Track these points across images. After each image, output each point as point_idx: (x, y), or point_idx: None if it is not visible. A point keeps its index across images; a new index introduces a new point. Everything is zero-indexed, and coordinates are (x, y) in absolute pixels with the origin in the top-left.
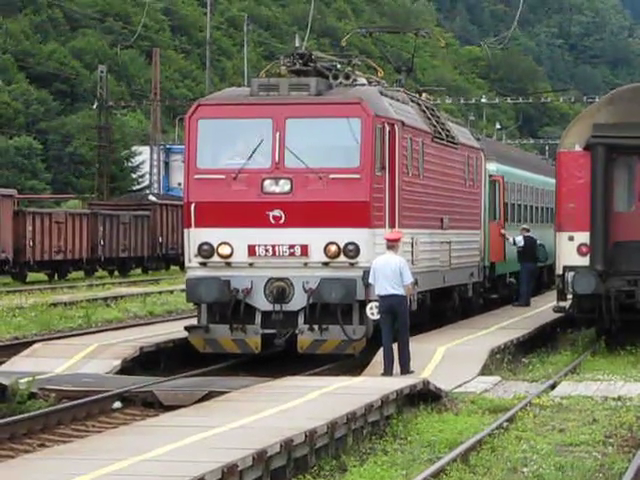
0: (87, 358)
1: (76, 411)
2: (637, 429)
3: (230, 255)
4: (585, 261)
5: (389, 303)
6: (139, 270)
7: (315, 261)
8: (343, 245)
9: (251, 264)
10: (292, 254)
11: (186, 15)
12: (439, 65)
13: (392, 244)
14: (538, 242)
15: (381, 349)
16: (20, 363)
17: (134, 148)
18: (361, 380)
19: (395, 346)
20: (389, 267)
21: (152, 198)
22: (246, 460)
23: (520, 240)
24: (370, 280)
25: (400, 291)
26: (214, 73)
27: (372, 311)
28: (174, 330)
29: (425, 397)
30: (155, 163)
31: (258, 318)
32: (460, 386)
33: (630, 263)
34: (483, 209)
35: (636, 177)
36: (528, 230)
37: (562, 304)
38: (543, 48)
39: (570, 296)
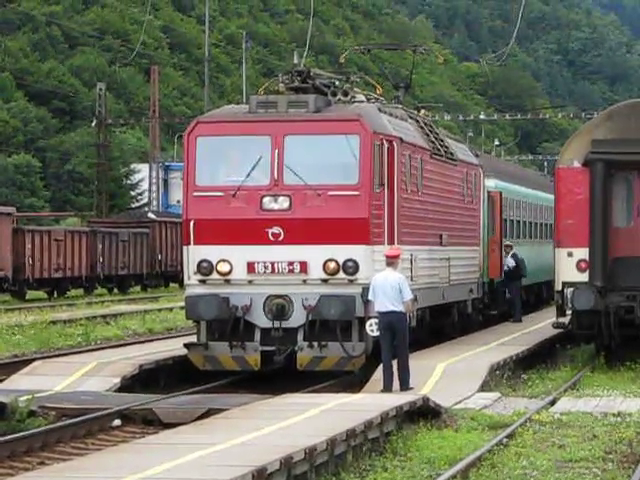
0: (86, 376)
1: (76, 429)
2: (637, 445)
3: (229, 272)
4: (584, 277)
5: (388, 320)
6: (138, 287)
7: (314, 278)
8: (342, 262)
9: (250, 281)
10: (291, 271)
11: (184, 32)
12: (437, 82)
13: (391, 261)
14: (520, 257)
15: (380, 366)
16: (19, 381)
17: (133, 166)
18: (360, 397)
19: (395, 362)
20: (388, 284)
21: (151, 215)
22: (246, 477)
23: (511, 261)
24: (370, 297)
25: (399, 308)
26: (213, 90)
27: (372, 328)
28: (173, 347)
29: (425, 414)
30: (154, 180)
31: (257, 335)
32: (460, 402)
33: (629, 279)
34: (482, 225)
35: (635, 193)
36: (511, 247)
37: (561, 320)
38: (541, 64)
39: (569, 312)
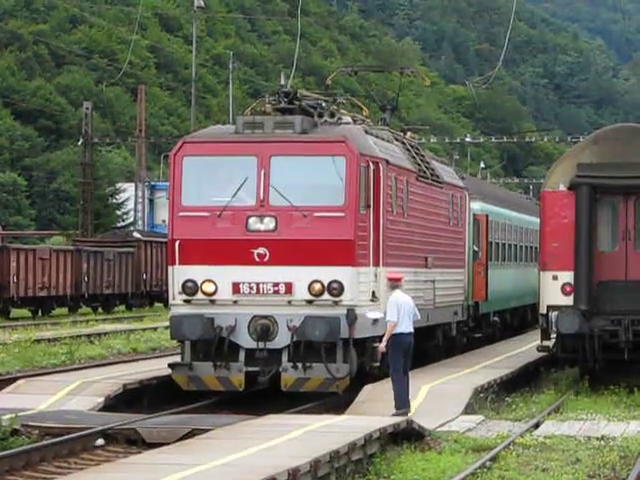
0: (70, 395)
1: (59, 448)
2: (620, 469)
3: (214, 292)
4: (569, 300)
5: (409, 341)
6: (123, 307)
7: (299, 299)
8: (327, 283)
9: (235, 302)
10: (276, 292)
11: (172, 52)
12: (424, 104)
13: (398, 283)
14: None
15: (366, 387)
16: (3, 399)
17: (119, 185)
18: (344, 418)
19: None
20: (409, 305)
21: (136, 235)
22: None
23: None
24: (392, 317)
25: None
26: (199, 110)
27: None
28: (158, 367)
29: (409, 436)
30: (140, 200)
31: (242, 356)
32: (443, 425)
33: (614, 303)
34: (467, 248)
35: (620, 217)
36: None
37: (546, 343)
38: (528, 88)
39: (554, 335)
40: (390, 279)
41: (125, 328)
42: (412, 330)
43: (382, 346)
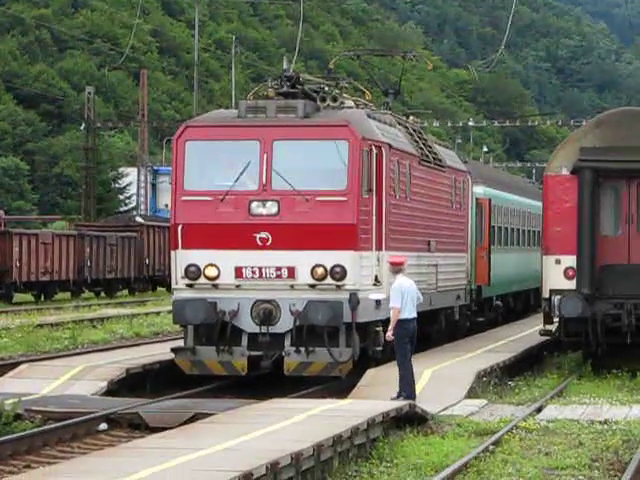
0: (73, 379)
1: (62, 433)
2: (623, 453)
3: (217, 277)
4: (572, 284)
5: (414, 326)
6: (126, 291)
7: (302, 283)
8: (330, 267)
9: (238, 286)
10: (279, 276)
11: (174, 37)
12: (426, 88)
13: (401, 267)
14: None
15: (368, 371)
16: (6, 384)
17: (121, 169)
18: (347, 402)
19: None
20: (413, 290)
21: (139, 219)
22: None
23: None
24: (396, 303)
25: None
26: (202, 95)
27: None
28: (161, 352)
29: (411, 420)
30: (142, 184)
31: (245, 340)
32: (446, 409)
33: (616, 286)
34: (470, 232)
35: (623, 201)
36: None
37: (548, 327)
38: (530, 71)
39: (556, 319)
40: (392, 263)
41: (128, 313)
42: (416, 315)
43: (389, 334)
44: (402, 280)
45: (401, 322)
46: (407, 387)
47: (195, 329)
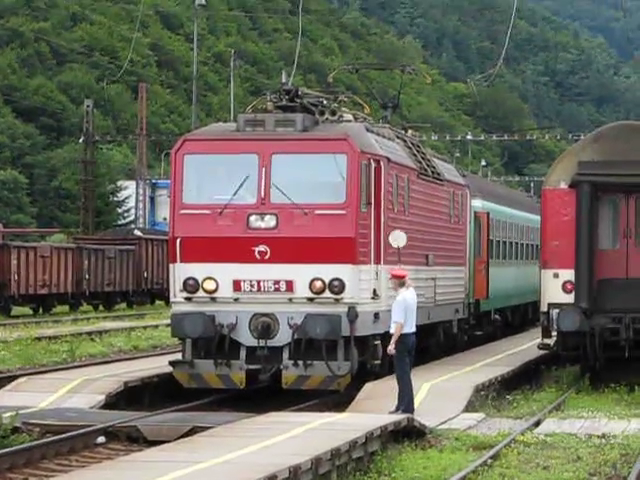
0: (71, 393)
1: (60, 446)
2: (621, 467)
3: (215, 290)
4: (570, 298)
5: (413, 340)
6: (124, 304)
7: (300, 297)
8: (328, 281)
9: (236, 299)
10: (277, 289)
11: (173, 50)
12: (425, 102)
13: (404, 280)
14: None
15: (367, 385)
16: (4, 397)
17: (120, 183)
18: (345, 416)
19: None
20: (415, 304)
21: (137, 233)
22: None
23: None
24: (399, 318)
25: None
26: (200, 108)
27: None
28: (159, 365)
29: (409, 434)
30: (141, 198)
31: (243, 353)
32: (444, 423)
33: (615, 301)
34: (468, 246)
35: (621, 215)
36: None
37: (547, 341)
38: (529, 85)
39: (555, 333)
40: (394, 276)
41: (126, 326)
42: (415, 329)
43: (390, 348)
44: (407, 294)
45: (401, 336)
46: (406, 400)
47: (193, 342)
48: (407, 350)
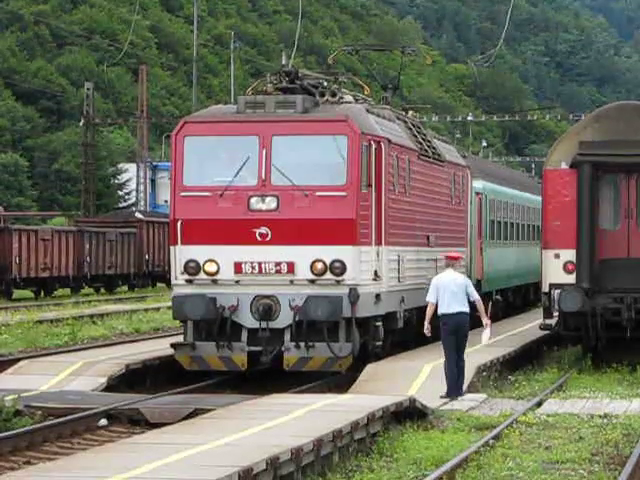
0: (73, 375)
1: (62, 429)
2: (623, 447)
3: (216, 272)
4: (571, 279)
5: (456, 321)
6: (125, 287)
7: (301, 278)
8: (329, 262)
9: (237, 281)
10: (278, 271)
11: (173, 33)
12: (425, 83)
13: (453, 262)
14: None
15: (368, 366)
16: (6, 380)
17: (120, 165)
18: (347, 397)
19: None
20: (455, 284)
21: (138, 215)
22: (232, 478)
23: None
24: (430, 298)
25: (466, 309)
26: (201, 90)
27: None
28: (160, 347)
29: (411, 414)
30: (142, 180)
31: (244, 335)
32: (446, 403)
33: (616, 280)
34: (469, 226)
35: (622, 195)
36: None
37: (548, 322)
38: (529, 66)
39: (556, 314)
40: (448, 257)
41: (128, 308)
42: (460, 310)
43: (425, 328)
44: (442, 274)
45: (440, 317)
46: (449, 383)
47: (195, 325)
48: (449, 330)
